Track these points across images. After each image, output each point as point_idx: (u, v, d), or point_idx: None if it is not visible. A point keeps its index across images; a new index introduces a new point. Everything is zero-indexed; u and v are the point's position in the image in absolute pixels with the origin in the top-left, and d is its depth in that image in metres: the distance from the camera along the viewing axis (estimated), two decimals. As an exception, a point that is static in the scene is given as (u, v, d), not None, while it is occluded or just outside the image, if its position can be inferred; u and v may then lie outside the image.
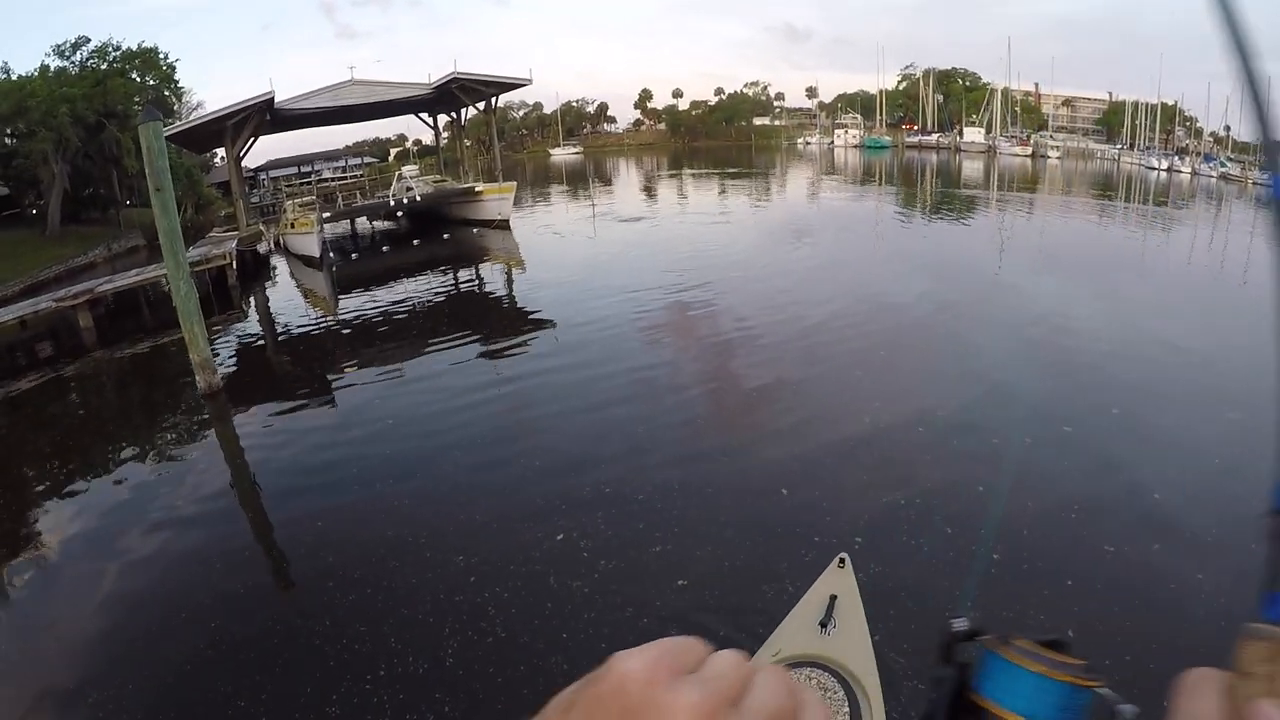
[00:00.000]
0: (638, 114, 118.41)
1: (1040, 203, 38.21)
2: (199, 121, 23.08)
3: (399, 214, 26.64)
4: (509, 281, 18.28)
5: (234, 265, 18.51)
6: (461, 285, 18.06)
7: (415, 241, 23.78)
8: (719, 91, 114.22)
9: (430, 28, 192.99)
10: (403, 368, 10.99)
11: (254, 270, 21.24)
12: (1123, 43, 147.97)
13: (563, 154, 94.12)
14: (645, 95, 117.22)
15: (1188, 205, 43.76)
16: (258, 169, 43.55)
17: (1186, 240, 27.82)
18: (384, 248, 23.90)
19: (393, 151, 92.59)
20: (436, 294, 16.97)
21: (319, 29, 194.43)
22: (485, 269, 19.98)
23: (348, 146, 63.46)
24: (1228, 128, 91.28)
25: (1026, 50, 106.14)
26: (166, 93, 36.99)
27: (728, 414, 8.86)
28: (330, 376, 11.12)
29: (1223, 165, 76.41)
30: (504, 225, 24.87)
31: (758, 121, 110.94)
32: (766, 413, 8.74)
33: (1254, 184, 67.53)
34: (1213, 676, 0.45)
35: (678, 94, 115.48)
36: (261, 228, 23.98)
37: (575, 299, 14.63)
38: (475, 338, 12.41)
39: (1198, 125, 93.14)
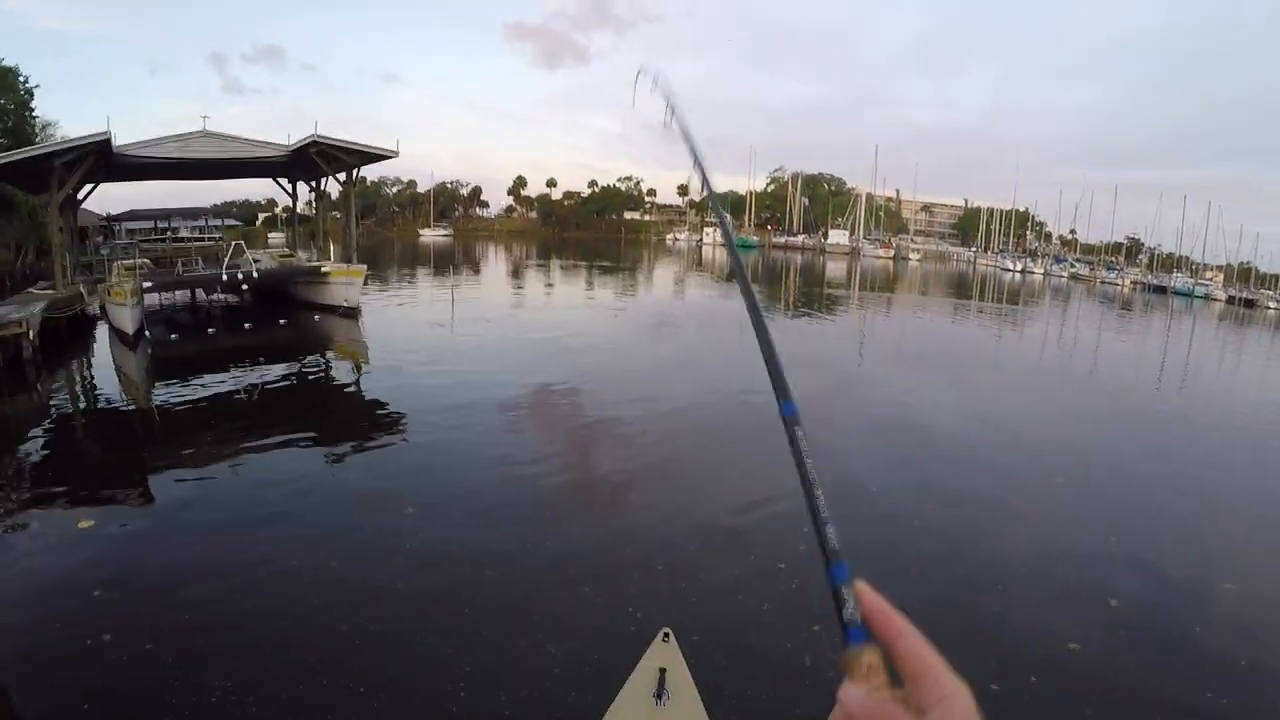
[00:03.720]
0: (511, 200, 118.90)
1: (903, 302, 40.28)
2: (19, 156, 19.98)
3: (244, 288, 24.31)
4: (347, 379, 16.29)
5: (32, 336, 15.59)
6: (291, 380, 15.53)
7: (247, 325, 20.91)
8: (592, 183, 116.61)
9: (318, 94, 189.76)
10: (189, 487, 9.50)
11: (69, 340, 18.02)
12: (980, 151, 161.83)
13: (432, 235, 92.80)
14: (520, 182, 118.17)
15: (1039, 303, 47.22)
16: (113, 218, 39.72)
17: (1039, 334, 29.93)
18: (210, 329, 20.60)
19: (261, 216, 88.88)
20: (265, 388, 14.54)
21: (206, 81, 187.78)
22: (322, 361, 17.65)
23: (215, 205, 59.79)
24: (1073, 231, 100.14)
25: (889, 157, 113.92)
26: (24, 119, 33.51)
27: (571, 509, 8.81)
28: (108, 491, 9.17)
29: (1072, 266, 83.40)
30: (351, 313, 22.76)
31: (629, 215, 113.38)
32: (611, 502, 9.03)
33: (1101, 283, 73.84)
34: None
35: (552, 183, 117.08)
36: (82, 289, 20.51)
37: (421, 398, 13.41)
38: (298, 440, 11.01)
39: (1046, 230, 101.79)
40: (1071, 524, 9.04)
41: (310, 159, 25.72)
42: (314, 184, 30.79)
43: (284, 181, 32.86)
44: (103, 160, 22.51)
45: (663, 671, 3.19)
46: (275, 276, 24.10)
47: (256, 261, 23.56)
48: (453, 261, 56.07)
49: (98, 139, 20.31)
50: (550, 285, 40.25)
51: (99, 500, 8.66)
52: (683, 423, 12.61)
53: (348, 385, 15.65)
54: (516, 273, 48.66)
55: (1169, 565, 7.94)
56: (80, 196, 27.47)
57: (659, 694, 3.09)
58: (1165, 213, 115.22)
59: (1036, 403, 17.01)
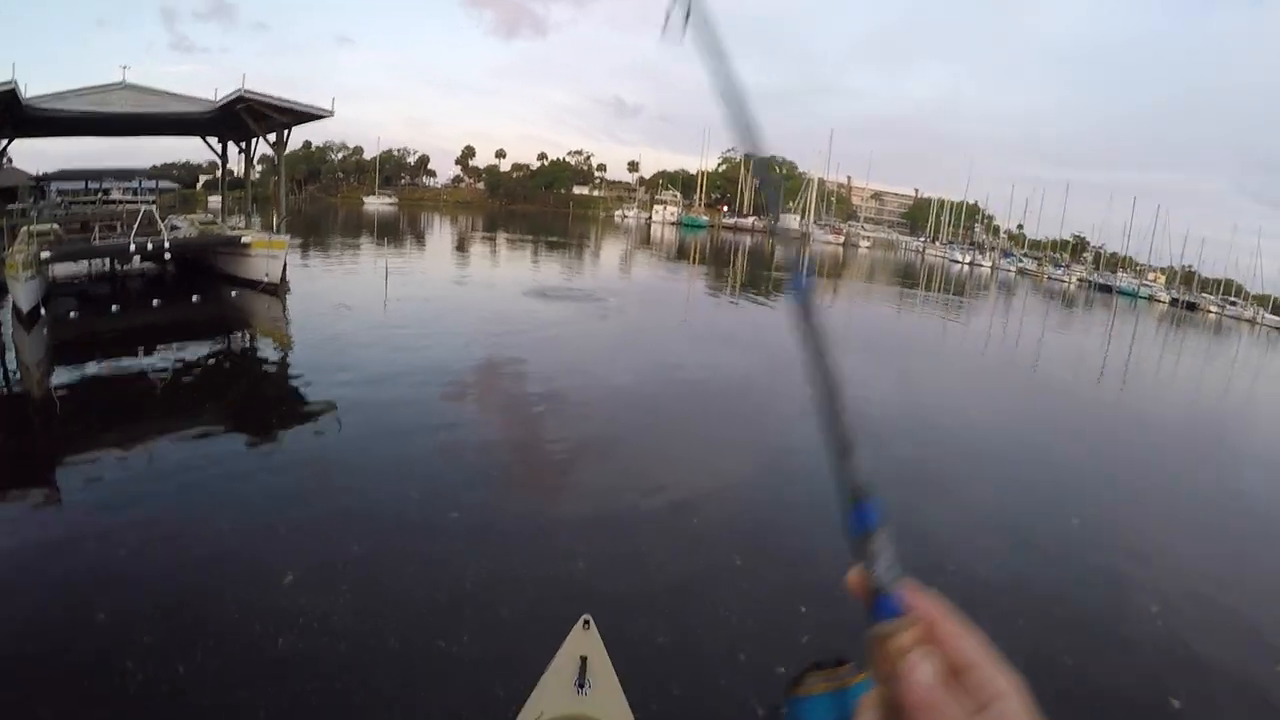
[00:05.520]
0: (459, 170, 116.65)
1: (852, 289, 40.39)
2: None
3: (167, 258, 22.67)
4: (263, 363, 15.00)
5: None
6: (201, 365, 14.03)
7: (156, 302, 18.97)
8: (542, 156, 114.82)
9: (269, 55, 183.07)
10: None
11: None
12: (932, 143, 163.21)
13: (377, 203, 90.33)
14: (468, 152, 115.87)
15: (987, 296, 47.93)
16: (42, 178, 37.04)
17: (983, 325, 30.32)
18: (114, 307, 17.91)
19: (202, 179, 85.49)
20: (174, 374, 13.10)
21: (155, 35, 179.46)
22: (235, 344, 16.24)
23: (155, 167, 56.80)
24: (1020, 227, 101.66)
25: (842, 144, 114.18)
26: None
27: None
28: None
29: (1020, 261, 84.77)
30: (271, 289, 20.78)
31: (577, 190, 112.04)
32: (548, 482, 9.08)
33: (1048, 278, 75.17)
34: (869, 697, 0.56)
35: (501, 154, 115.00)
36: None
37: (346, 382, 12.50)
38: (212, 428, 10.15)
39: (995, 224, 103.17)
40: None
41: (239, 117, 24.16)
42: (242, 145, 29.10)
43: (213, 141, 31.12)
44: (9, 113, 20.79)
45: (584, 659, 3.15)
46: (192, 247, 22.32)
47: (175, 230, 22.06)
48: (396, 231, 54.56)
49: (1, 89, 18.66)
50: (496, 262, 39.27)
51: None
52: (625, 399, 12.74)
53: (264, 370, 14.40)
54: (461, 246, 47.49)
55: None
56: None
57: (580, 683, 3.05)
58: (1113, 213, 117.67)
59: (975, 396, 17.21)
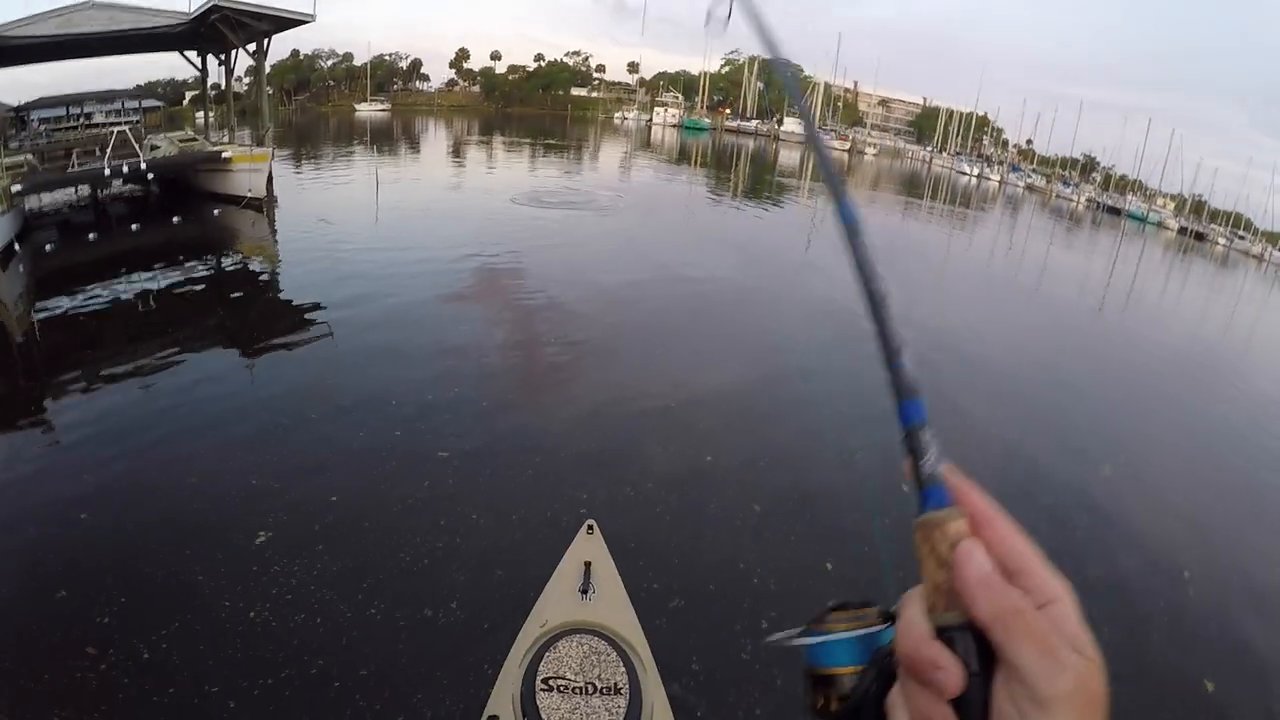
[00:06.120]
0: (453, 73, 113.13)
1: (861, 198, 39.11)
2: None
3: (149, 179, 21.79)
4: (249, 282, 14.39)
5: None
6: (180, 290, 13.22)
7: (134, 227, 17.92)
8: (539, 58, 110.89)
9: None
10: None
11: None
12: (943, 50, 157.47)
13: (369, 110, 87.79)
14: (462, 54, 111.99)
15: (994, 209, 47.09)
16: (20, 108, 35.73)
17: (988, 238, 29.74)
18: (90, 235, 17.02)
19: (188, 95, 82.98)
20: (156, 298, 12.51)
21: None
22: (218, 263, 15.41)
23: (138, 86, 54.83)
24: (1030, 142, 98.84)
25: (850, 47, 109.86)
26: None
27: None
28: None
29: (1028, 176, 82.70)
30: (255, 204, 19.99)
31: (576, 92, 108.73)
32: (549, 390, 9.05)
33: (1056, 195, 73.50)
34: (915, 590, 0.55)
35: (496, 56, 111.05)
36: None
37: (337, 297, 12.00)
38: (203, 349, 9.71)
39: (1004, 137, 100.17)
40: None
41: (215, 28, 22.90)
42: (222, 57, 27.78)
43: (192, 55, 29.71)
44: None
45: (588, 565, 3.19)
46: (172, 166, 21.43)
47: (154, 150, 21.17)
48: (389, 138, 53.07)
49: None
50: (491, 165, 38.18)
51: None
52: (626, 312, 12.52)
53: (243, 291, 13.75)
54: (457, 151, 46.19)
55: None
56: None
57: (584, 588, 3.09)
58: (1126, 135, 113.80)
59: (972, 310, 16.77)
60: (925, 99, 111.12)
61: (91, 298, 12.36)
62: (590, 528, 3.47)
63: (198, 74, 30.27)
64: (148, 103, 45.70)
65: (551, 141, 53.91)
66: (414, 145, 49.70)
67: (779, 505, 6.58)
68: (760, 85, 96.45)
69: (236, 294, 13.47)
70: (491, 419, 7.84)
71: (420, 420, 7.66)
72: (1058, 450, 8.94)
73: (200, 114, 33.65)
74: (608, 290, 13.49)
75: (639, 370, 9.74)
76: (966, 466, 0.56)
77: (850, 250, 0.66)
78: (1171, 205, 79.46)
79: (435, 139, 55.71)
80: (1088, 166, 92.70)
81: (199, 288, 13.46)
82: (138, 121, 29.25)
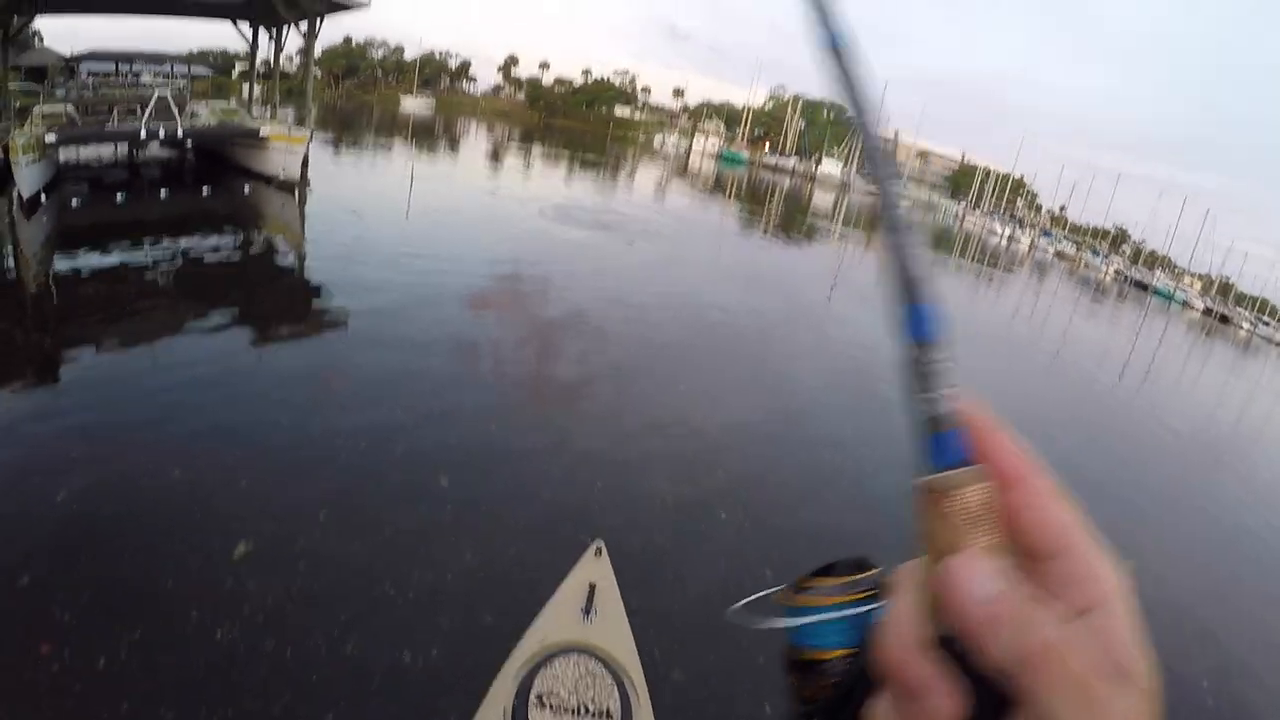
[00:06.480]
0: (500, 78, 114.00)
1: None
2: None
3: (187, 145, 21.73)
4: (270, 263, 14.07)
5: None
6: (203, 260, 13.14)
7: (163, 193, 18.03)
8: (586, 73, 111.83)
9: None
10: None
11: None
12: (990, 105, 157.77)
13: (414, 105, 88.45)
14: (511, 61, 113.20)
15: (1017, 272, 46.64)
16: (72, 59, 35.95)
17: (1010, 303, 29.50)
18: (118, 196, 16.91)
19: (238, 68, 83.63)
20: (175, 269, 12.24)
21: None
22: (243, 240, 15.24)
23: (191, 53, 55.18)
24: (1063, 208, 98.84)
25: (894, 98, 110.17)
26: None
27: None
28: None
29: (1058, 242, 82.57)
30: (288, 186, 19.80)
31: (619, 111, 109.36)
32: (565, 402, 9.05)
33: (1084, 265, 73.25)
34: (913, 565, 0.42)
35: (544, 66, 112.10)
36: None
37: (359, 288, 11.79)
38: (217, 325, 9.47)
39: (1038, 201, 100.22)
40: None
41: (269, 1, 22.95)
42: (274, 32, 27.80)
43: (244, 27, 29.79)
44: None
45: (592, 586, 3.12)
46: (209, 135, 21.44)
47: (195, 117, 21.09)
48: (431, 135, 53.18)
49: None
50: (528, 174, 38.12)
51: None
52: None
53: (258, 274, 13.42)
54: (496, 155, 46.23)
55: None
56: (18, 30, 24.36)
57: (587, 609, 3.02)
58: (1160, 211, 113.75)
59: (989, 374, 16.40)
60: (964, 154, 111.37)
61: (107, 259, 12.22)
62: (599, 550, 3.39)
63: (249, 47, 30.23)
64: (197, 69, 45.70)
65: (590, 157, 53.95)
66: (454, 145, 49.77)
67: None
68: (802, 124, 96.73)
69: (253, 276, 13.17)
70: (497, 446, 7.49)
71: (423, 437, 7.32)
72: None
73: (246, 87, 33.72)
74: (631, 324, 13.10)
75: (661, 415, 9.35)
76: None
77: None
78: (1198, 285, 79.04)
79: (475, 141, 55.84)
80: (1118, 238, 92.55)
81: (218, 264, 13.21)
82: (184, 87, 29.23)
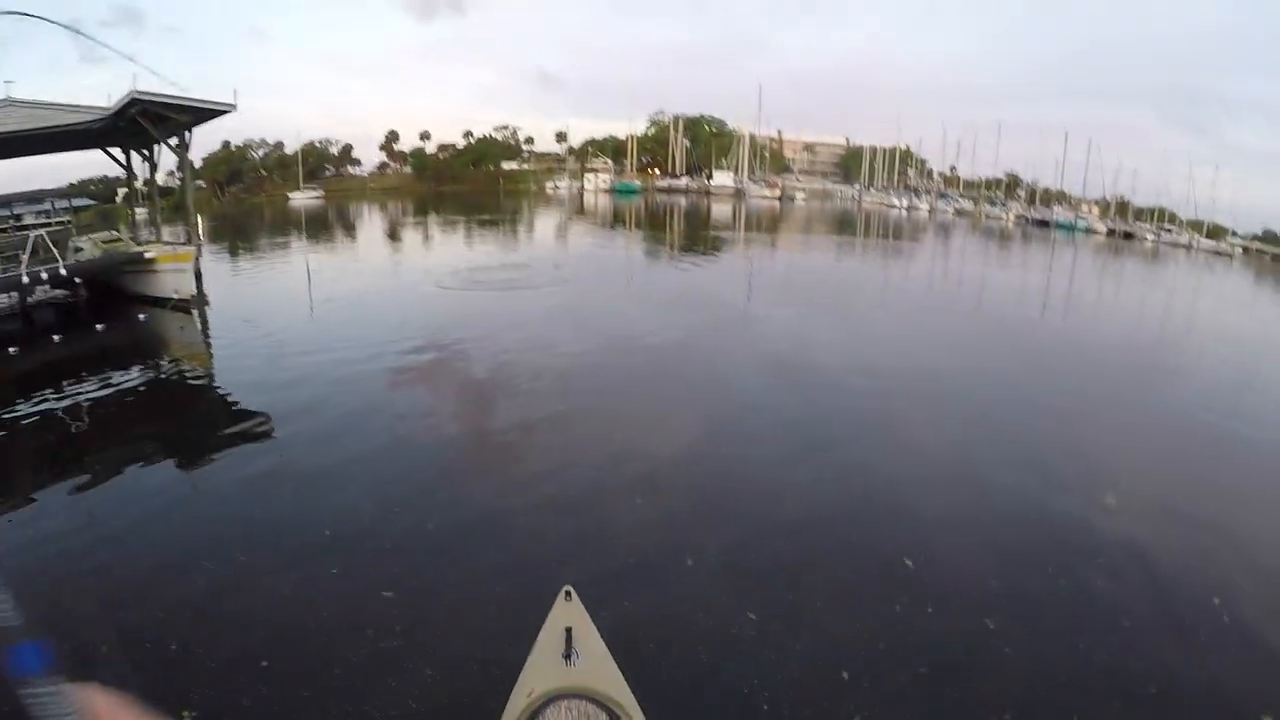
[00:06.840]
0: (384, 155, 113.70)
1: (793, 242, 40.22)
2: None
3: (77, 283, 21.12)
4: (167, 394, 13.40)
5: None
6: (103, 404, 12.35)
7: (56, 338, 16.95)
8: (467, 134, 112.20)
9: (182, 58, 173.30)
10: None
11: None
12: (861, 92, 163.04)
13: (303, 198, 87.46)
14: (392, 136, 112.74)
15: (927, 238, 48.49)
16: None
17: (923, 269, 30.65)
18: (11, 349, 15.46)
19: (121, 192, 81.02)
20: (75, 418, 12.27)
21: (61, 50, 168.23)
22: (143, 374, 14.57)
23: (71, 184, 53.41)
24: (954, 168, 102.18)
25: (771, 99, 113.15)
26: None
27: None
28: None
29: (956, 202, 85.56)
30: (184, 306, 19.31)
31: (506, 165, 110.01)
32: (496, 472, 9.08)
33: (986, 217, 76.04)
34: None
35: (425, 136, 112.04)
36: None
37: (279, 402, 11.79)
38: (140, 460, 9.51)
39: (928, 167, 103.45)
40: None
41: (136, 122, 22.71)
42: (145, 151, 27.51)
43: (116, 152, 29.46)
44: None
45: (569, 630, 3.05)
46: (97, 269, 20.86)
47: (78, 252, 20.78)
48: (325, 225, 52.82)
49: None
50: (428, 246, 38.31)
51: None
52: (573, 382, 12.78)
53: (169, 400, 13.14)
54: (393, 233, 46.24)
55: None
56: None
57: (567, 654, 2.98)
58: (1045, 149, 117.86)
59: (922, 338, 17.26)
60: (848, 139, 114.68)
61: (11, 416, 11.88)
62: (568, 594, 3.41)
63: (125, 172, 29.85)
64: (78, 201, 44.38)
65: (486, 216, 54.32)
66: (349, 231, 49.60)
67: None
68: (686, 143, 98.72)
69: (160, 407, 12.80)
70: (443, 540, 7.41)
71: (360, 551, 7.16)
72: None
73: (139, 210, 33.13)
74: (558, 371, 13.34)
75: (598, 458, 9.51)
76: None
77: None
78: (1097, 210, 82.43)
79: (369, 223, 55.74)
80: (1012, 184, 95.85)
81: (127, 400, 12.78)
82: (68, 222, 28.65)
